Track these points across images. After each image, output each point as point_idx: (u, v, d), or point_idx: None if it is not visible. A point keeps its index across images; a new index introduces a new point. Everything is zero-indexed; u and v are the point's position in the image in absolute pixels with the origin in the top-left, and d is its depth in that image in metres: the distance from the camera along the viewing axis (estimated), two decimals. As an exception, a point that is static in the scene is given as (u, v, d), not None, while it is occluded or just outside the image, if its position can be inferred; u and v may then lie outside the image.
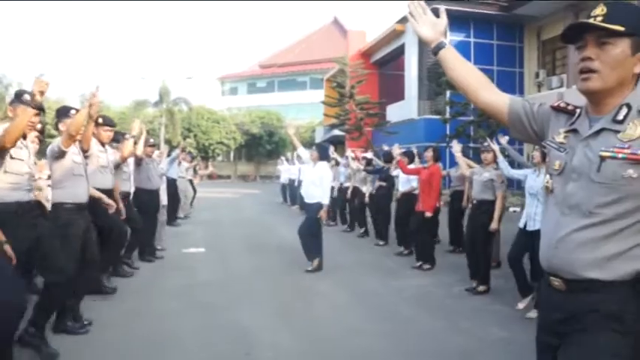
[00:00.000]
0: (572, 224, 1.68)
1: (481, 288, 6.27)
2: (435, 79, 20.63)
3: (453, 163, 8.98)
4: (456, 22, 22.20)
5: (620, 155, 1.61)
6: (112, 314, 5.12)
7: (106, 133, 5.68)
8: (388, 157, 9.72)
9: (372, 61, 30.04)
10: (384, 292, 6.43)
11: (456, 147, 7.22)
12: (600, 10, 1.67)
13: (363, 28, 38.92)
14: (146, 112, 40.40)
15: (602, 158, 1.63)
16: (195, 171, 15.91)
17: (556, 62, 22.01)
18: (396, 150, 8.84)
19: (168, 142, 35.75)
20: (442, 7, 2.11)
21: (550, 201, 1.82)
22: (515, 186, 18.86)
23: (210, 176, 32.63)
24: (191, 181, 14.68)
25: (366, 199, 10.53)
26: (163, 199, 8.72)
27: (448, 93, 18.90)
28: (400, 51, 26.05)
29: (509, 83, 22.05)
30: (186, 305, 5.57)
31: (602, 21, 1.64)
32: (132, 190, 7.22)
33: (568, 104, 1.88)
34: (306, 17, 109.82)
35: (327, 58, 44.03)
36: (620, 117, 1.65)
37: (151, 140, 8.27)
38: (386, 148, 10.01)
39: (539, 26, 22.19)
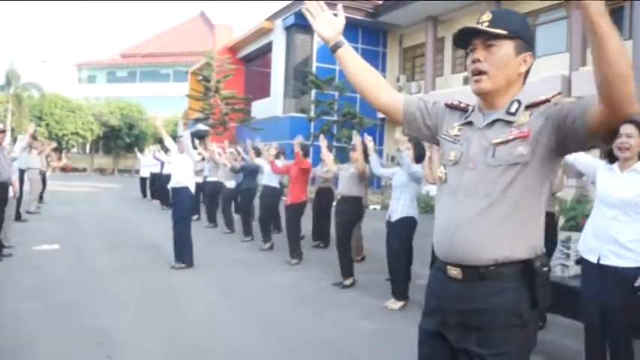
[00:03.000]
0: (471, 209, 1.76)
1: (347, 282, 6.51)
2: (301, 77, 20.99)
3: (318, 160, 9.20)
4: (323, 24, 22.79)
5: (510, 137, 1.74)
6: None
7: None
8: (257, 153, 9.74)
9: (238, 57, 29.90)
10: (252, 287, 6.46)
11: (323, 142, 7.43)
12: (486, 16, 1.82)
13: (230, 22, 38.63)
14: (-11, 96, 37.16)
15: (496, 144, 1.76)
16: (47, 162, 14.91)
17: (415, 69, 23.36)
18: (272, 150, 8.76)
19: (14, 130, 33.08)
20: (340, 6, 2.16)
21: (443, 191, 1.90)
22: (376, 185, 19.77)
23: (63, 168, 30.71)
24: (43, 173, 13.73)
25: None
26: (11, 190, 8.01)
27: (314, 92, 19.32)
28: (268, 48, 26.18)
29: (372, 85, 23.03)
30: (41, 307, 5.20)
31: (488, 26, 1.79)
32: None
33: (461, 102, 2.01)
34: (172, 10, 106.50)
35: (192, 51, 43.16)
36: (513, 110, 1.79)
37: (0, 125, 7.60)
38: (253, 143, 9.96)
39: (401, 34, 23.42)
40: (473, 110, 1.93)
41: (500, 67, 1.79)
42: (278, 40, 24.69)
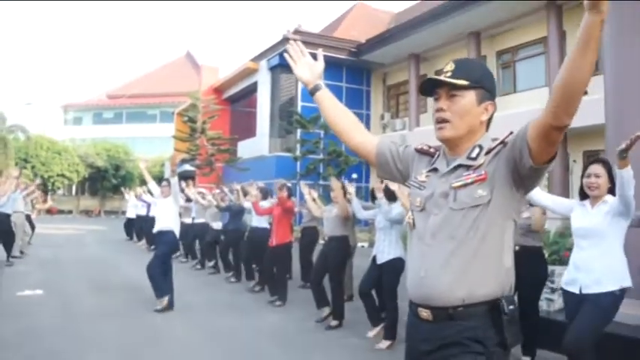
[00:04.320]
0: (437, 252, 1.83)
1: (333, 323, 6.49)
2: (286, 117, 21.19)
3: (303, 200, 9.24)
4: (308, 64, 23.13)
5: (469, 180, 1.81)
6: None
7: None
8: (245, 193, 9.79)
9: (224, 97, 30.16)
10: (237, 330, 6.41)
11: (305, 188, 7.50)
12: (449, 66, 1.91)
13: (216, 63, 39.03)
14: (-26, 139, 36.95)
15: (457, 188, 1.83)
16: (32, 205, 14.81)
17: (399, 106, 23.68)
18: (253, 190, 8.80)
19: (0, 173, 32.86)
20: (320, 51, 2.26)
21: (413, 236, 1.97)
22: (363, 223, 19.79)
23: (49, 211, 30.43)
24: (28, 216, 13.63)
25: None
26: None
27: (299, 132, 19.48)
28: (253, 88, 26.45)
29: (357, 124, 23.29)
30: (25, 356, 5.11)
31: (450, 76, 1.87)
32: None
33: (430, 147, 2.08)
34: (158, 50, 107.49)
35: (178, 91, 43.38)
36: (474, 155, 1.86)
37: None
38: (237, 185, 10.07)
39: (384, 72, 23.80)
40: (439, 156, 2.00)
41: (463, 116, 1.87)
42: (263, 80, 24.97)
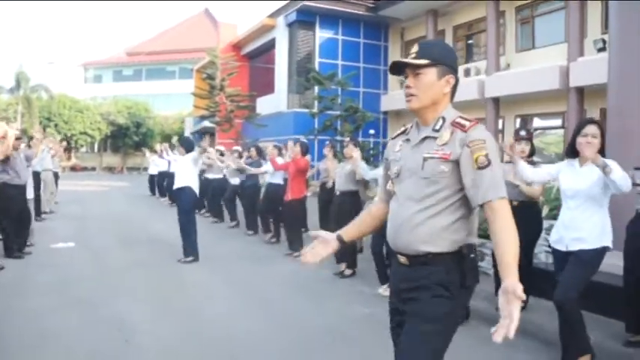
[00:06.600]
0: (408, 211, 2.19)
1: (348, 272, 6.94)
2: (304, 73, 21.25)
3: (321, 156, 9.59)
4: (326, 19, 23.09)
5: (436, 156, 2.15)
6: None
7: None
8: (259, 151, 10.26)
9: (242, 54, 30.16)
10: (256, 279, 6.87)
11: (328, 153, 8.00)
12: (414, 48, 2.25)
13: (234, 20, 38.93)
14: (-1, 99, 37.71)
15: (425, 159, 2.17)
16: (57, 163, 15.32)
17: (417, 62, 23.46)
18: (270, 148, 9.33)
19: (24, 131, 33.56)
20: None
21: (393, 199, 2.34)
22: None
23: (73, 168, 31.16)
24: (56, 174, 14.16)
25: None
26: (29, 192, 8.47)
27: (316, 88, 19.59)
28: (271, 44, 26.44)
29: (375, 80, 23.34)
30: (61, 302, 5.58)
31: (414, 57, 2.21)
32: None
33: (401, 129, 2.43)
34: (176, 8, 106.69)
35: (197, 48, 43.41)
36: (438, 127, 2.20)
37: (17, 133, 8.04)
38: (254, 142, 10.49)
39: (402, 27, 23.58)
40: (412, 127, 2.34)
41: (426, 90, 2.21)
42: (281, 37, 24.95)
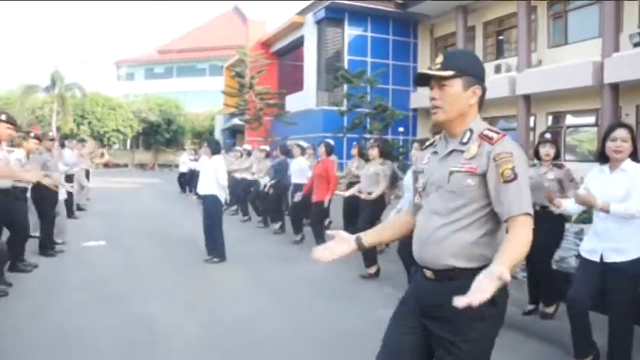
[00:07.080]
0: (434, 224, 2.15)
1: (372, 270, 6.91)
2: (333, 71, 21.24)
3: (350, 155, 9.59)
4: (354, 17, 23.03)
5: (462, 169, 2.11)
6: (16, 310, 5.21)
7: (7, 132, 5.70)
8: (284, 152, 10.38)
9: (272, 51, 30.28)
10: (282, 280, 6.89)
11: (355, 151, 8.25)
12: (439, 59, 2.19)
13: (263, 17, 39.04)
14: (35, 98, 38.44)
15: (451, 172, 2.14)
16: (91, 160, 15.57)
17: (446, 58, 23.25)
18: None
19: (59, 129, 34.28)
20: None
21: (420, 212, 2.30)
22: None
23: (106, 164, 31.72)
24: (87, 171, 14.39)
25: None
26: (62, 192, 8.66)
27: (345, 86, 19.56)
28: (300, 42, 26.49)
29: (404, 77, 23.18)
30: (91, 299, 5.70)
31: (439, 69, 2.16)
32: (29, 185, 7.17)
33: (428, 139, 2.43)
34: (206, 5, 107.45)
35: (226, 45, 43.70)
36: (465, 139, 2.16)
37: (51, 134, 8.23)
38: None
39: (431, 24, 23.40)
40: (440, 139, 2.31)
41: (452, 102, 2.17)
42: (309, 34, 24.97)
